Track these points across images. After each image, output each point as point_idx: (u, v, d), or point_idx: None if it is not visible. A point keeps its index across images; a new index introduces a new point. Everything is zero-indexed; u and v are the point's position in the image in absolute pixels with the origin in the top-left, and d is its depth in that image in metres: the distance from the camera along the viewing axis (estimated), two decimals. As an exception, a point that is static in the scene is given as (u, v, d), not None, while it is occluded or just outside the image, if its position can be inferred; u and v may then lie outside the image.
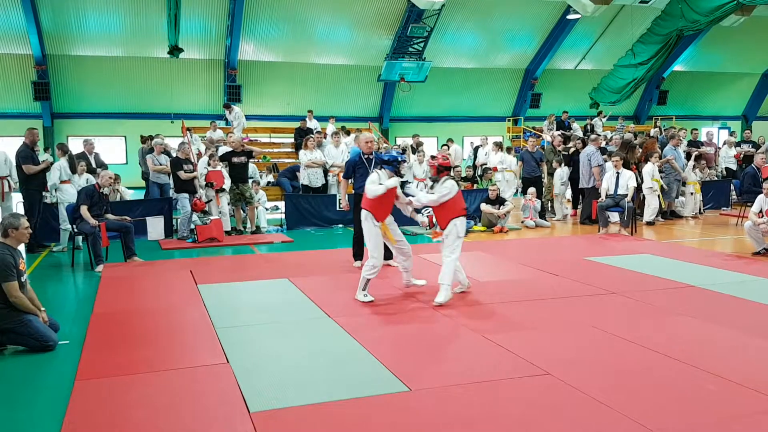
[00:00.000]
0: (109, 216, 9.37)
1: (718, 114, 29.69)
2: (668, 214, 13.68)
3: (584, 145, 13.83)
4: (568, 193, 15.00)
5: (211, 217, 11.35)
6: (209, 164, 11.99)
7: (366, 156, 8.68)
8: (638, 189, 12.29)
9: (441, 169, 7.03)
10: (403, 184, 7.29)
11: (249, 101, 22.93)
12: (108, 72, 21.78)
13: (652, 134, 18.64)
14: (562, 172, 14.13)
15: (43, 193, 10.46)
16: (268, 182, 15.49)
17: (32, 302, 5.58)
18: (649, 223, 12.78)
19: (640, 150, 13.50)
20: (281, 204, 13.46)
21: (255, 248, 10.79)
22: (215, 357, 5.13)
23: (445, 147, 17.18)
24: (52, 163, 10.44)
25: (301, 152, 13.85)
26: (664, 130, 18.87)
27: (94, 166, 11.94)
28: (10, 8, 19.22)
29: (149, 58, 21.76)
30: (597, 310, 6.47)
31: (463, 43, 24.39)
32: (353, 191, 8.89)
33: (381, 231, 6.93)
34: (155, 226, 11.27)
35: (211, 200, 11.66)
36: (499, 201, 12.52)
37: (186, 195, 11.32)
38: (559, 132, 18.41)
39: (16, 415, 4.26)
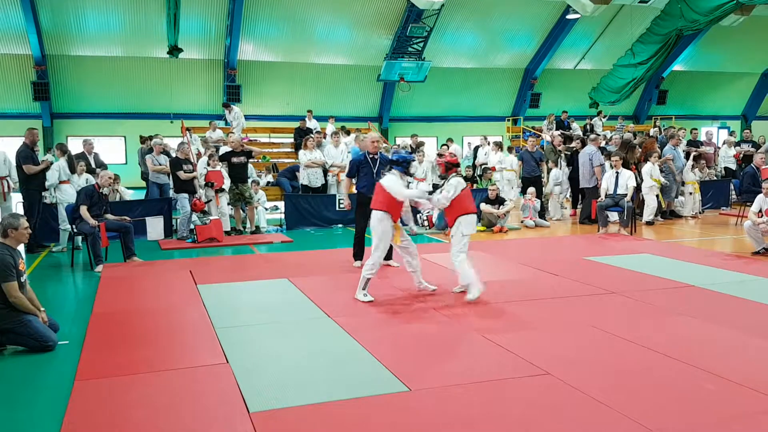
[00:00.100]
0: (109, 216, 9.37)
1: (718, 114, 29.70)
2: (668, 213, 13.69)
3: (583, 144, 13.83)
4: (567, 193, 15.01)
5: (211, 217, 11.35)
6: (209, 164, 11.99)
7: (371, 156, 8.67)
8: (638, 189, 12.29)
9: (449, 167, 7.04)
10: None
11: (248, 101, 22.93)
12: (107, 72, 21.78)
13: (651, 134, 18.65)
14: (558, 173, 14.15)
15: (43, 194, 10.46)
16: (268, 182, 15.48)
17: (32, 302, 5.57)
18: (648, 223, 12.78)
19: (640, 150, 13.50)
20: (281, 204, 13.46)
21: (254, 248, 10.79)
22: (215, 357, 5.13)
23: (445, 147, 17.18)
24: (51, 164, 10.44)
25: (301, 152, 13.85)
26: (664, 129, 18.88)
27: (93, 166, 11.93)
28: (10, 8, 19.21)
29: (149, 58, 21.75)
30: (597, 310, 6.47)
31: (462, 43, 24.40)
32: (356, 191, 8.85)
33: (394, 232, 6.91)
34: (155, 226, 11.27)
35: (211, 200, 11.66)
36: (498, 201, 12.52)
37: (185, 195, 11.32)
38: (558, 132, 18.41)
39: (16, 415, 4.26)
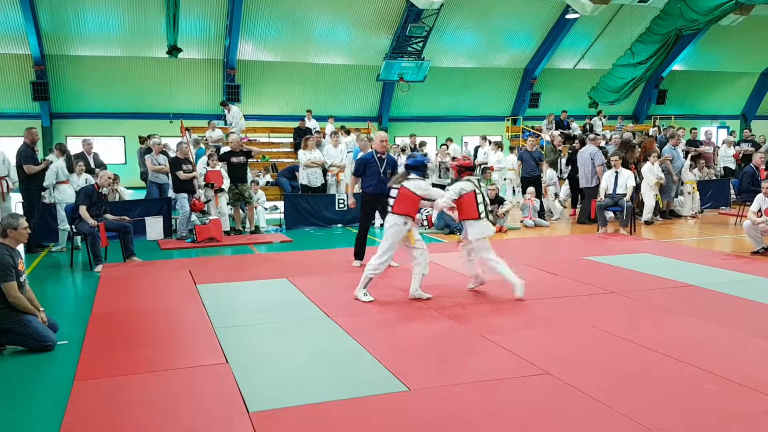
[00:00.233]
0: (108, 216, 9.37)
1: (717, 113, 29.71)
2: (667, 213, 13.69)
3: (582, 144, 13.84)
4: (563, 193, 15.03)
5: (210, 217, 11.35)
6: (208, 164, 11.99)
7: (379, 155, 8.65)
8: (637, 188, 12.30)
9: (462, 170, 7.04)
10: None
11: (248, 101, 22.93)
12: (107, 72, 21.77)
13: (650, 133, 18.65)
14: (552, 173, 14.18)
15: (42, 194, 10.45)
16: (267, 182, 15.48)
17: (31, 302, 5.57)
18: (647, 223, 12.79)
19: (639, 149, 13.51)
20: (280, 204, 13.46)
21: (254, 248, 10.79)
22: (214, 357, 5.13)
23: (444, 147, 17.17)
24: (51, 163, 10.43)
25: (300, 152, 13.84)
26: (663, 129, 18.89)
27: (92, 166, 11.93)
28: (9, 8, 19.20)
29: (148, 58, 21.75)
30: (596, 310, 6.47)
31: (461, 43, 24.39)
32: (361, 190, 8.83)
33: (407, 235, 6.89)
34: (154, 226, 11.28)
35: (210, 200, 11.66)
36: (498, 201, 12.53)
37: (185, 195, 11.32)
38: (558, 131, 18.42)
39: (16, 416, 4.26)
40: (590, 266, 8.73)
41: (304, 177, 13.61)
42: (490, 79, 26.05)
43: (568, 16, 22.58)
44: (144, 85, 22.31)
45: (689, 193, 14.10)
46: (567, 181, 14.87)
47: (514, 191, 15.90)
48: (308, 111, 20.23)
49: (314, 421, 3.96)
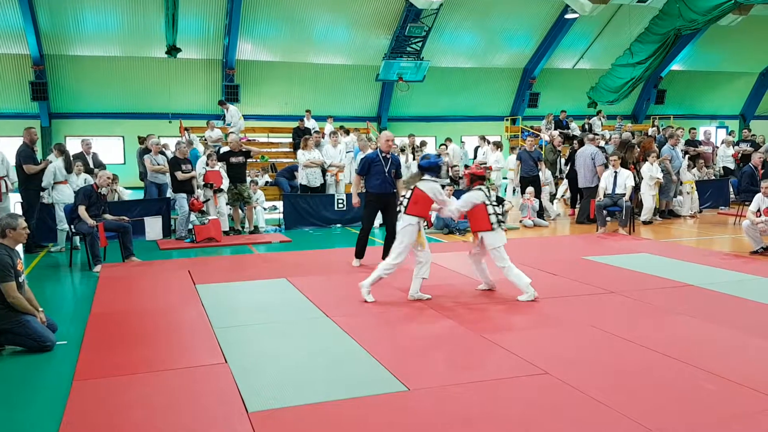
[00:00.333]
0: (107, 216, 9.36)
1: (716, 113, 29.73)
2: (666, 213, 13.70)
3: (581, 144, 13.84)
4: (560, 193, 15.04)
5: (209, 217, 11.34)
6: (207, 164, 11.99)
7: (384, 154, 8.64)
8: (636, 188, 12.30)
9: (474, 179, 7.03)
10: None
11: (247, 101, 22.93)
12: (106, 72, 21.76)
13: (650, 133, 18.66)
14: (547, 174, 14.19)
15: (41, 194, 10.44)
16: (266, 182, 15.48)
17: (30, 303, 5.56)
18: (646, 223, 12.79)
19: (638, 149, 13.51)
20: (279, 204, 13.46)
21: (253, 248, 10.79)
22: (213, 357, 5.13)
23: (443, 146, 17.19)
24: (51, 163, 10.43)
25: (300, 152, 13.84)
26: (662, 129, 18.90)
27: (91, 166, 11.91)
28: (8, 8, 19.19)
29: (147, 58, 21.74)
30: (595, 310, 6.47)
31: (461, 43, 24.40)
32: (365, 189, 8.80)
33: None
34: (153, 226, 11.27)
35: (209, 200, 11.65)
36: (497, 201, 12.51)
37: (184, 195, 11.31)
38: (557, 131, 18.42)
39: (15, 416, 4.25)
40: (589, 266, 8.73)
41: (303, 177, 13.61)
42: (489, 79, 26.06)
43: (567, 16, 22.59)
44: (143, 85, 22.30)
45: (688, 193, 14.11)
46: (566, 181, 14.89)
47: (514, 191, 15.91)
48: (307, 111, 20.24)
49: (313, 421, 3.96)
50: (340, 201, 13.18)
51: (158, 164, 12.45)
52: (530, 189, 13.21)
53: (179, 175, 11.19)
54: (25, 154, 10.05)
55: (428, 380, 4.59)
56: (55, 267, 9.47)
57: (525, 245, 10.80)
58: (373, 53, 23.56)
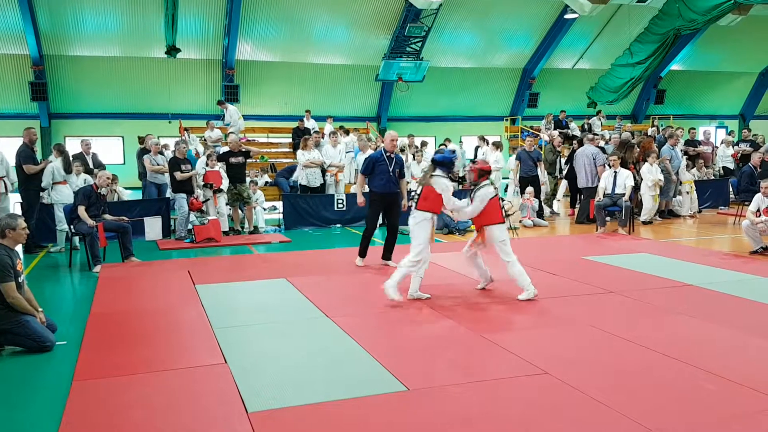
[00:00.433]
0: (107, 216, 9.35)
1: (716, 113, 29.73)
2: (666, 213, 13.70)
3: (580, 144, 13.84)
4: (560, 194, 15.03)
5: (209, 218, 11.34)
6: (207, 164, 11.98)
7: (388, 154, 8.63)
8: (636, 188, 12.30)
9: (482, 173, 7.01)
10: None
11: (247, 101, 22.92)
12: (105, 72, 21.75)
13: (649, 133, 18.67)
14: (542, 174, 14.21)
15: (41, 194, 10.44)
16: (266, 182, 15.48)
17: (30, 303, 5.56)
18: (645, 223, 12.80)
19: (638, 149, 13.51)
20: (279, 204, 13.45)
21: (253, 248, 10.79)
22: (213, 357, 5.12)
23: (443, 147, 17.19)
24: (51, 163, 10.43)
25: (299, 152, 13.84)
26: (662, 129, 18.90)
27: (91, 166, 11.91)
28: (7, 8, 19.18)
29: (147, 58, 21.73)
30: (595, 310, 6.47)
31: (460, 43, 24.40)
32: (369, 189, 8.78)
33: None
34: (153, 227, 11.27)
35: (209, 200, 11.65)
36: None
37: (183, 195, 11.31)
38: (557, 131, 18.42)
39: (14, 416, 4.25)
40: (589, 266, 8.73)
41: (303, 177, 13.60)
42: (489, 79, 26.06)
43: (566, 16, 22.59)
44: (143, 86, 22.29)
45: (687, 193, 14.11)
46: (565, 181, 14.88)
47: (514, 191, 15.90)
48: (307, 111, 20.24)
49: (313, 421, 3.96)
50: (340, 201, 13.17)
51: (158, 164, 12.46)
52: (530, 189, 13.22)
53: (178, 175, 11.19)
54: (25, 155, 10.05)
55: (428, 380, 4.59)
56: (55, 267, 9.47)
57: (525, 245, 10.79)
58: (372, 53, 23.56)
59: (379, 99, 25.45)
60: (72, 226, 9.19)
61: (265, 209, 13.44)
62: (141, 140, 15.57)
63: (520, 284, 6.85)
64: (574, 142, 14.88)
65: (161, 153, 12.86)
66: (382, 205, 8.69)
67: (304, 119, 19.38)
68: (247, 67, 22.95)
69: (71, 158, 11.03)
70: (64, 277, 8.85)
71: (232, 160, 11.58)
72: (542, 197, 14.02)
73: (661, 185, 12.87)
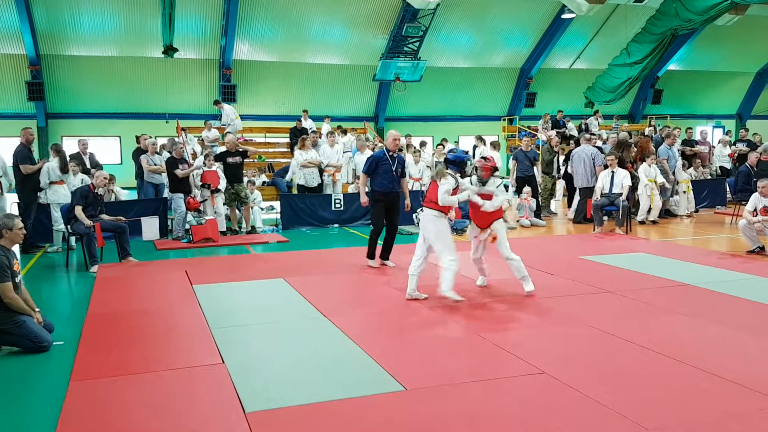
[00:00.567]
0: (104, 216, 9.34)
1: (713, 113, 29.77)
2: (663, 212, 13.71)
3: (577, 144, 13.85)
4: (559, 194, 15.03)
5: (206, 218, 11.33)
6: (204, 164, 11.98)
7: (390, 153, 8.62)
8: (634, 188, 12.32)
9: (494, 170, 7.08)
10: None
11: (244, 101, 22.90)
12: (102, 72, 21.71)
13: (646, 133, 18.69)
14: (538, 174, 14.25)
15: (38, 194, 10.42)
16: (264, 182, 15.47)
17: (26, 303, 5.56)
18: (641, 222, 12.82)
19: (635, 149, 13.53)
20: (277, 204, 13.45)
21: (250, 248, 10.78)
22: (211, 357, 5.12)
23: (441, 146, 17.19)
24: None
25: (297, 152, 13.83)
26: (659, 129, 18.92)
27: (88, 166, 11.89)
28: (4, 8, 19.13)
29: (144, 58, 21.70)
30: (592, 309, 6.48)
31: (458, 43, 24.40)
32: (372, 189, 8.76)
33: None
34: (150, 227, 11.24)
35: (206, 200, 11.64)
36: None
37: (181, 195, 11.31)
38: (554, 131, 18.44)
39: (11, 416, 4.24)
40: (586, 266, 8.74)
41: (300, 177, 13.59)
42: (486, 78, 26.07)
43: (563, 16, 22.60)
44: (140, 85, 22.25)
45: (684, 192, 14.13)
46: (563, 181, 14.90)
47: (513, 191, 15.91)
48: (304, 111, 20.24)
49: (311, 422, 3.96)
50: (337, 201, 13.17)
51: (154, 164, 12.44)
52: (527, 189, 13.23)
53: (179, 172, 11.19)
54: (22, 155, 10.04)
55: (425, 380, 4.59)
56: (52, 267, 9.45)
57: (522, 245, 10.79)
58: (370, 53, 23.56)
59: (377, 99, 25.44)
60: (69, 227, 9.18)
61: (262, 209, 13.44)
62: (139, 140, 15.53)
63: (520, 277, 6.99)
64: (571, 142, 14.88)
65: (158, 153, 12.84)
66: (386, 205, 8.68)
67: (302, 119, 19.39)
68: (244, 67, 22.93)
69: (68, 158, 11.01)
70: (61, 278, 8.84)
71: (230, 160, 11.58)
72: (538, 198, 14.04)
73: (664, 184, 12.88)
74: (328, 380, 4.63)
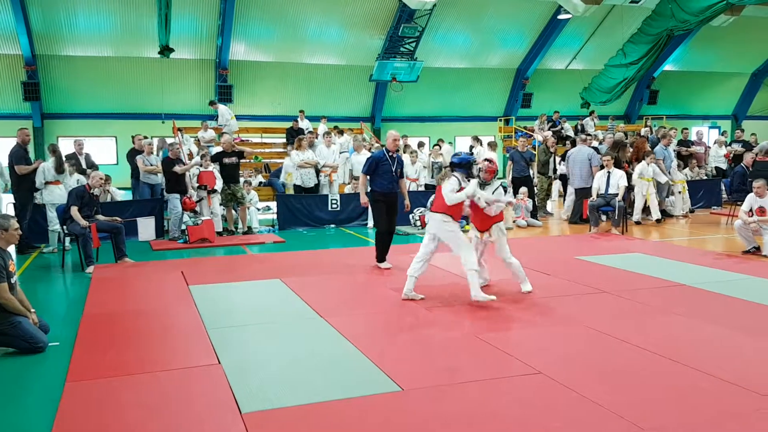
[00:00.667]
0: (100, 217, 9.32)
1: (708, 113, 29.83)
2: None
3: (573, 145, 13.87)
4: (555, 194, 15.05)
5: (203, 218, 11.32)
6: (201, 165, 11.95)
7: (390, 153, 8.61)
8: (630, 188, 12.34)
9: (495, 173, 7.14)
10: None
11: (240, 101, 22.87)
12: (98, 72, 21.65)
13: (642, 134, 18.73)
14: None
15: (34, 194, 10.40)
16: (260, 182, 15.45)
17: (22, 304, 5.54)
18: (637, 223, 12.84)
19: (631, 149, 13.55)
20: (273, 204, 13.43)
21: (247, 249, 10.77)
22: (207, 358, 5.11)
23: (437, 147, 17.18)
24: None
25: (293, 152, 13.82)
26: (655, 129, 18.97)
27: (84, 166, 11.87)
28: (0, 8, 19.11)
29: (140, 58, 21.65)
30: (589, 310, 6.48)
31: (454, 43, 24.41)
32: (372, 189, 8.76)
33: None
34: (146, 227, 11.22)
35: (203, 200, 11.62)
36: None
37: (177, 196, 11.29)
38: (550, 132, 18.45)
39: (6, 417, 4.23)
40: (582, 266, 8.75)
41: (297, 177, 13.57)
42: (483, 79, 26.07)
43: (560, 17, 22.62)
44: (136, 86, 22.20)
45: (679, 192, 14.17)
46: (559, 181, 14.92)
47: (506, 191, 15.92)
48: (301, 111, 20.22)
49: (307, 422, 3.96)
50: (334, 201, 13.17)
51: (150, 164, 12.42)
52: (524, 189, 13.24)
53: (177, 168, 11.18)
54: (17, 155, 10.02)
55: (422, 380, 4.59)
56: (47, 268, 9.43)
57: (518, 245, 10.80)
58: (366, 53, 23.55)
59: (373, 99, 25.43)
60: (65, 227, 9.15)
61: (258, 209, 13.41)
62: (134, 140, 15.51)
63: (518, 279, 7.06)
64: (567, 142, 14.90)
65: (153, 153, 12.82)
66: (386, 205, 8.66)
67: (298, 119, 19.37)
68: (240, 67, 22.90)
69: (64, 158, 10.98)
70: (56, 278, 8.82)
71: (226, 160, 11.56)
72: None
73: (670, 184, 12.91)
74: (325, 381, 4.62)
